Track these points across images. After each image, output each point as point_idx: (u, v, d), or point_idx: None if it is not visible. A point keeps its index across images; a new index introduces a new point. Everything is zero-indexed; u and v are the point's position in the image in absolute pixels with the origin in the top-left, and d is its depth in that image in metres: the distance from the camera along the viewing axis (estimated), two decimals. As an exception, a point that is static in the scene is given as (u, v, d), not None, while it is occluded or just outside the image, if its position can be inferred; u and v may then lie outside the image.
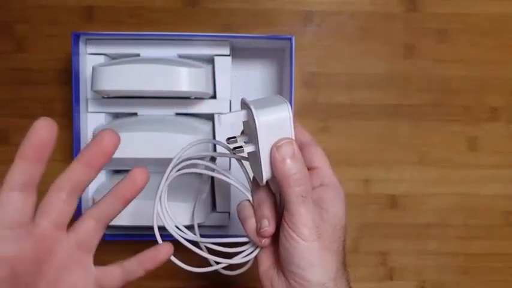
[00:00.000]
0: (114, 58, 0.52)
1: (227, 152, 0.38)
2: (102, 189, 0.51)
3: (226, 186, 0.53)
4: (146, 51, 0.50)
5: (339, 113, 0.56)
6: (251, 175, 0.36)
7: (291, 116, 0.31)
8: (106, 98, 0.51)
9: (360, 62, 0.56)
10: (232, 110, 0.52)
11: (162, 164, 0.44)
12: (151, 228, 0.37)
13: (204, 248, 0.38)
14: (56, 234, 0.29)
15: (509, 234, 0.58)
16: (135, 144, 0.46)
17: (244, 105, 0.32)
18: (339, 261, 0.34)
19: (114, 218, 0.31)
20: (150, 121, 0.49)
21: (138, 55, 0.50)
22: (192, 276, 0.57)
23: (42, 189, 0.57)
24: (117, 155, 0.47)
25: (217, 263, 0.37)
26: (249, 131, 0.32)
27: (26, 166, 0.27)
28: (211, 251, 0.38)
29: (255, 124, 0.30)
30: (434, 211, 0.58)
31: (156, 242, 0.38)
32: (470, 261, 0.58)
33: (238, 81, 0.54)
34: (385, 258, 0.58)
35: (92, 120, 0.50)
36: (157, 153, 0.46)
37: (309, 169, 0.33)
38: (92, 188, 0.51)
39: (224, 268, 0.38)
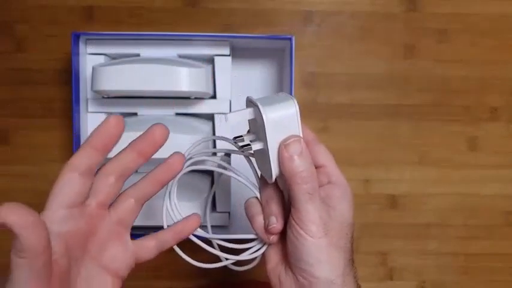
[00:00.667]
0: (114, 58, 0.52)
1: (235, 149, 0.38)
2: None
3: (227, 185, 0.53)
4: (146, 51, 0.50)
5: (339, 113, 0.56)
6: (259, 172, 0.36)
7: (298, 112, 0.31)
8: (106, 98, 0.51)
9: (360, 62, 0.56)
10: (232, 109, 0.52)
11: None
12: (157, 227, 0.37)
13: (216, 245, 0.38)
14: (101, 213, 0.32)
15: (509, 234, 0.58)
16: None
17: (250, 103, 0.32)
18: (347, 258, 0.34)
19: (150, 195, 0.34)
20: (150, 121, 0.49)
21: (138, 55, 0.50)
22: (192, 276, 0.57)
23: (43, 188, 0.57)
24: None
25: (226, 259, 0.37)
26: (255, 129, 0.33)
27: (92, 154, 0.30)
28: (219, 248, 0.38)
29: (263, 121, 0.30)
30: (434, 211, 0.58)
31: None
32: (470, 261, 0.58)
33: (238, 81, 0.54)
34: (385, 258, 0.58)
35: (92, 120, 0.50)
36: (158, 154, 0.46)
37: (315, 167, 0.33)
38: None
39: (232, 264, 0.38)
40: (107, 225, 0.32)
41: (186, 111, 0.51)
